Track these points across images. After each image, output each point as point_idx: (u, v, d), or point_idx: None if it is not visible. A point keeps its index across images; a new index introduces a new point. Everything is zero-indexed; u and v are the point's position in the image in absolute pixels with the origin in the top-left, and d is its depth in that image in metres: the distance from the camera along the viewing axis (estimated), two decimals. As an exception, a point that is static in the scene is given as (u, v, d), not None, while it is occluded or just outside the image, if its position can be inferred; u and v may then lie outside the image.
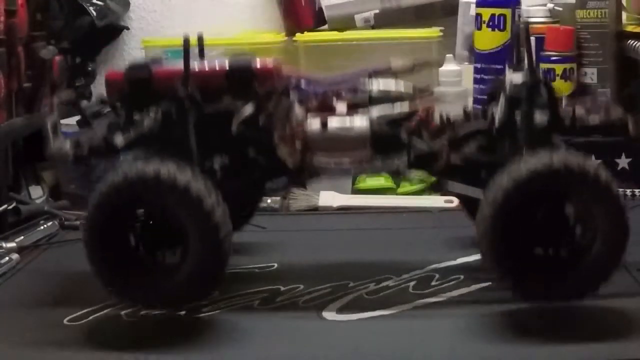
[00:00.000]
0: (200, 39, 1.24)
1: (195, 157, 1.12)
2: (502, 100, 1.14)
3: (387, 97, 1.15)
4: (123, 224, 1.07)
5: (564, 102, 1.19)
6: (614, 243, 1.04)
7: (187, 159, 1.09)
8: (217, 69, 1.15)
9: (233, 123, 1.12)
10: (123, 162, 1.10)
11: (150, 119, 1.13)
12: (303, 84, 1.17)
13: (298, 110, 1.15)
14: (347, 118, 1.14)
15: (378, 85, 1.16)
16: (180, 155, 1.09)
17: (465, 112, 1.19)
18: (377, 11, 1.81)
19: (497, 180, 1.04)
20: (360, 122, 1.14)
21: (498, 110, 1.14)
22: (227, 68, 1.15)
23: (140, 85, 1.14)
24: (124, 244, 1.07)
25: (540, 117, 1.12)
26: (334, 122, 1.14)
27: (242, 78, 1.14)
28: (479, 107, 1.20)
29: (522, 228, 1.05)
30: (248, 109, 1.12)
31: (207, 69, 1.16)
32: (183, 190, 1.03)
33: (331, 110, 1.16)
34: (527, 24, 1.16)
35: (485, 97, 1.22)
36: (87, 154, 1.15)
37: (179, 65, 1.13)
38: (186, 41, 1.12)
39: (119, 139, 1.13)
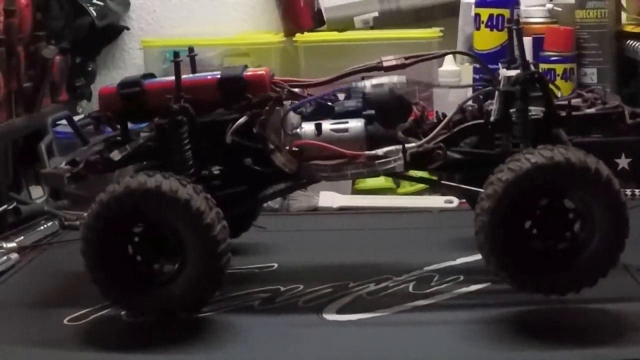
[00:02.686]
0: (191, 50, 1.24)
1: (191, 168, 1.11)
2: (496, 95, 1.14)
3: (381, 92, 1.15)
4: (122, 233, 1.07)
5: (559, 94, 1.19)
6: (613, 239, 1.04)
7: (183, 170, 1.10)
8: (209, 80, 1.15)
9: (226, 133, 1.12)
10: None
11: (146, 133, 1.13)
12: (295, 90, 1.17)
13: (292, 116, 1.15)
14: (342, 120, 1.14)
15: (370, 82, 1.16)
16: (177, 167, 1.10)
17: (461, 108, 1.18)
18: (376, 14, 1.81)
19: (498, 174, 1.04)
20: (355, 123, 1.14)
21: (493, 105, 1.14)
22: (219, 78, 1.14)
23: (133, 100, 1.14)
24: (123, 254, 1.07)
25: (535, 110, 1.12)
26: (328, 125, 1.14)
27: (234, 88, 1.13)
28: (475, 105, 1.20)
29: (521, 221, 1.05)
30: (241, 119, 1.12)
31: (198, 80, 1.15)
32: (184, 204, 1.03)
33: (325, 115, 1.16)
34: (518, 21, 1.16)
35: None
36: (84, 171, 1.14)
37: (171, 78, 1.13)
38: (176, 54, 1.11)
39: (116, 154, 1.13)
